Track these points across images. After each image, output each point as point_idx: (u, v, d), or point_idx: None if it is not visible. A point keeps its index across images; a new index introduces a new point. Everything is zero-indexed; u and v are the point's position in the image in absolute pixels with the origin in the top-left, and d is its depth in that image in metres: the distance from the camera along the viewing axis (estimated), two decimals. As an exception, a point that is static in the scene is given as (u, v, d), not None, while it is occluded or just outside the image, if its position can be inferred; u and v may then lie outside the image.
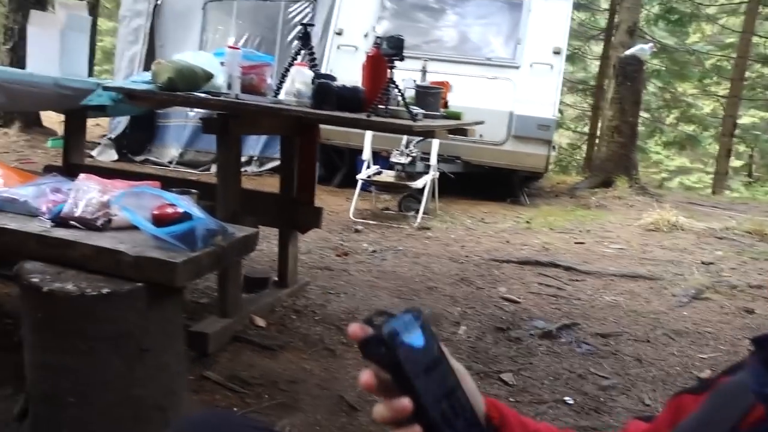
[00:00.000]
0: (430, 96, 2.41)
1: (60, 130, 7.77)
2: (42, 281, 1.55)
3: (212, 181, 5.98)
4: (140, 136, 7.12)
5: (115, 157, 6.93)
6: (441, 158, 5.46)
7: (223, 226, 1.73)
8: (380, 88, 2.24)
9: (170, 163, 6.90)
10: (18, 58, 7.33)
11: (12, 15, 7.67)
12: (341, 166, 6.56)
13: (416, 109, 2.13)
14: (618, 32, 9.21)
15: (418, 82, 2.76)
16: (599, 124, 12.02)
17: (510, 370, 2.33)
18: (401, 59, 2.01)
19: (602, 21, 15.17)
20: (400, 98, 2.16)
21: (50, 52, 2.51)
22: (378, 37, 2.31)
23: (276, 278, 2.87)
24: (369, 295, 2.99)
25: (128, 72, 7.24)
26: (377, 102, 2.01)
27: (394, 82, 2.02)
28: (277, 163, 6.52)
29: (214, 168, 6.72)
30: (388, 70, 2.03)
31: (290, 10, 6.94)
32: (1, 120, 7.59)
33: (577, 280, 3.60)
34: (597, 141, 11.66)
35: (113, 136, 7.06)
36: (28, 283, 1.56)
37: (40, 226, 1.74)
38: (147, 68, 7.04)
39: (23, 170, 2.49)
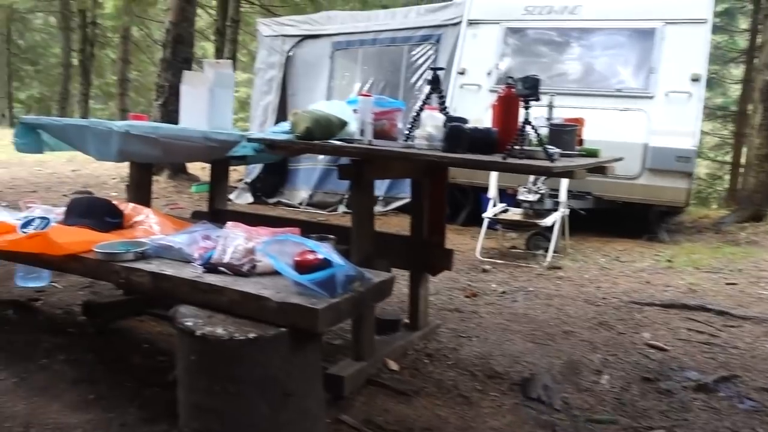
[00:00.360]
0: (565, 134, 2.33)
1: (202, 176, 8.40)
2: (195, 325, 1.64)
3: (341, 221, 6.14)
4: (273, 180, 7.53)
5: (251, 200, 7.35)
6: (570, 194, 5.26)
7: (361, 272, 1.75)
8: (513, 128, 2.20)
9: (300, 204, 7.21)
10: (168, 113, 8.04)
11: (163, 74, 8.46)
12: (466, 205, 6.51)
13: (552, 149, 2.06)
14: (762, 53, 8.52)
15: (547, 119, 2.68)
16: (744, 153, 11.09)
17: (662, 426, 2.13)
18: (537, 99, 1.96)
19: (742, 42, 14.15)
20: (534, 138, 2.10)
21: (200, 108, 2.72)
22: (510, 77, 2.28)
23: (407, 320, 2.86)
24: (502, 339, 2.89)
25: (262, 120, 7.73)
26: (512, 143, 1.96)
27: (530, 123, 1.97)
28: (401, 202, 6.63)
29: (341, 208, 6.95)
30: (523, 111, 1.99)
31: (413, 53, 7.09)
32: (154, 169, 8.34)
33: (732, 326, 3.28)
34: (742, 170, 10.74)
35: (249, 180, 7.52)
36: (182, 326, 1.65)
37: (193, 272, 1.86)
38: (279, 116, 7.50)
39: (175, 217, 2.69)
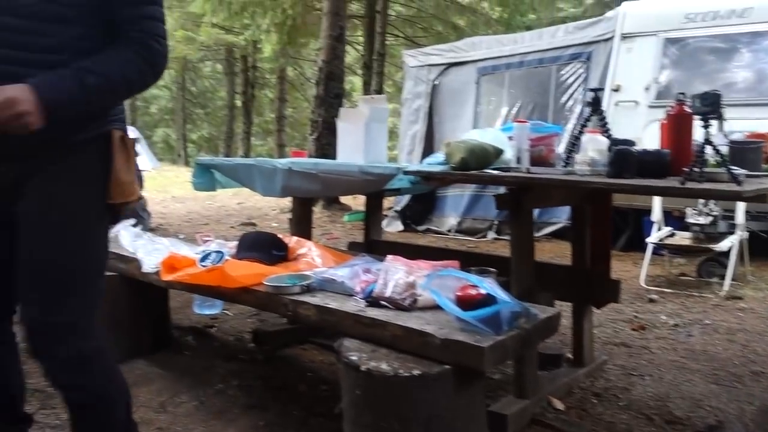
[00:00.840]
0: (750, 152, 2.09)
1: (354, 205, 8.70)
2: (359, 360, 1.65)
3: (491, 248, 6.01)
4: (422, 207, 7.59)
5: (401, 227, 7.47)
6: (749, 215, 4.74)
7: (526, 308, 1.68)
8: (686, 149, 2.02)
9: (449, 231, 7.19)
10: (321, 146, 8.47)
11: (316, 110, 8.94)
12: (625, 229, 6.11)
13: (736, 170, 1.85)
14: None
15: (724, 135, 2.43)
16: None
17: None
18: (719, 117, 1.78)
19: None
20: (714, 159, 1.91)
21: (356, 143, 2.81)
22: (681, 93, 2.10)
23: (569, 355, 2.70)
24: (679, 378, 2.63)
25: (410, 149, 7.86)
26: (690, 165, 1.79)
27: (711, 143, 1.79)
28: (554, 227, 6.38)
29: (491, 234, 6.84)
30: (702, 130, 1.81)
31: (562, 72, 6.86)
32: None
33: None
34: None
35: (398, 209, 7.65)
36: (347, 360, 1.67)
37: (355, 306, 1.88)
38: (426, 144, 7.59)
39: (334, 249, 2.77)
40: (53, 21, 1.39)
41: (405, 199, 7.61)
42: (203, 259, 2.41)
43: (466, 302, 1.64)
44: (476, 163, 2.25)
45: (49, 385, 2.41)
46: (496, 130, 2.63)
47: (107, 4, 1.44)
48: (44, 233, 1.45)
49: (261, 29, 13.41)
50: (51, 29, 1.39)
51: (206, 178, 3.16)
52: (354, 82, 20.70)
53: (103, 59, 1.42)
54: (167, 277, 2.35)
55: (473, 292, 1.66)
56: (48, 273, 1.45)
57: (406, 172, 2.36)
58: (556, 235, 6.29)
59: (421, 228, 7.47)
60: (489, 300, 1.62)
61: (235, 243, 2.68)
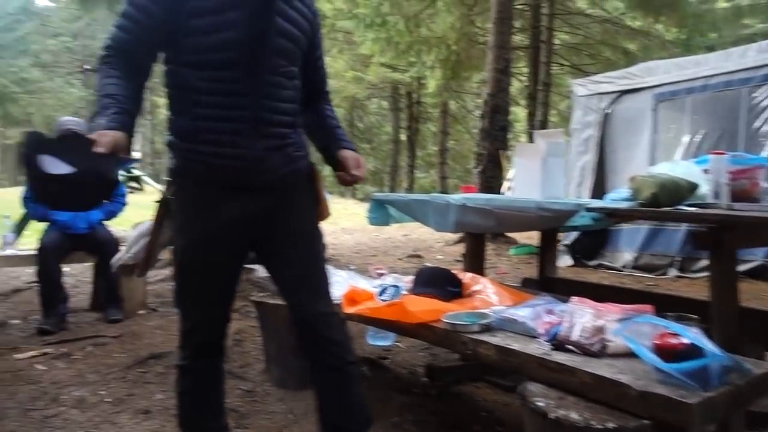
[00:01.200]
0: None
1: (519, 238, 8.52)
2: (547, 407, 1.58)
3: (672, 287, 5.54)
4: (593, 242, 7.22)
5: (570, 262, 7.15)
6: None
7: (737, 362, 1.51)
8: None
9: (624, 267, 6.75)
10: (486, 180, 8.42)
11: (481, 143, 8.93)
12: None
13: None
14: None
15: None
16: None
17: None
18: None
19: None
20: None
21: (533, 178, 2.75)
22: None
23: (780, 414, 2.38)
24: None
25: (579, 180, 7.55)
26: None
27: None
28: (749, 265, 5.73)
29: (671, 272, 6.32)
30: None
31: (755, 95, 6.22)
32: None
33: None
34: None
35: (568, 243, 7.34)
36: (534, 406, 1.61)
37: (540, 349, 1.82)
38: (597, 175, 7.24)
39: (508, 286, 2.72)
40: (291, 77, 1.79)
41: (575, 232, 7.30)
42: (381, 293, 2.49)
43: (666, 352, 1.51)
44: (668, 198, 2.10)
45: (243, 405, 2.62)
46: (689, 162, 2.44)
47: (311, 66, 1.90)
48: (310, 244, 1.84)
49: (426, 66, 13.80)
50: (289, 84, 1.78)
51: (381, 213, 3.27)
52: (517, 112, 20.46)
53: (332, 113, 2.06)
54: (349, 310, 2.44)
55: (674, 341, 1.53)
56: (318, 275, 1.84)
57: (589, 209, 2.25)
58: (751, 274, 5.65)
59: (592, 263, 7.10)
60: (693, 351, 1.48)
61: (410, 277, 2.73)
